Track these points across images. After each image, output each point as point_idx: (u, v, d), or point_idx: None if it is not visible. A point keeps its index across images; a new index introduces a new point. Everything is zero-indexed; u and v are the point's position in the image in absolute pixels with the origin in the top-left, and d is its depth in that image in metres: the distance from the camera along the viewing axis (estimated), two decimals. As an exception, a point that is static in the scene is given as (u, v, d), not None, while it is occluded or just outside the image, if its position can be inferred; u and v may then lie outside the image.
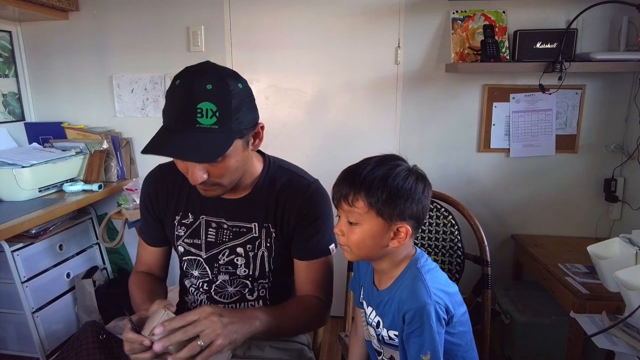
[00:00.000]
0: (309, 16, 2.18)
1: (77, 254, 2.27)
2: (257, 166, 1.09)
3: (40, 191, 2.04)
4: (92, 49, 2.35)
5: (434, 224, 1.39)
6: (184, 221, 1.11)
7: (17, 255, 1.90)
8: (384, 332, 0.93)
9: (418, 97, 2.18)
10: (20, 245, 1.92)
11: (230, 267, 1.10)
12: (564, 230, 2.19)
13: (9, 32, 2.34)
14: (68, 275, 2.19)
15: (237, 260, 1.09)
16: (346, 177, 0.87)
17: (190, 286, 1.17)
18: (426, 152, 2.21)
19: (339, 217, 0.91)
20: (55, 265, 2.12)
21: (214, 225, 1.10)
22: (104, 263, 2.44)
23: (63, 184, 2.15)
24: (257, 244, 1.08)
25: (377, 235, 0.86)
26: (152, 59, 2.31)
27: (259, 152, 1.14)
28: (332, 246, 1.12)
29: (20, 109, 2.42)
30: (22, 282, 1.91)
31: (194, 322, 0.83)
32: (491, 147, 2.17)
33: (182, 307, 1.23)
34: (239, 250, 1.09)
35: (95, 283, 2.22)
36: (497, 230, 2.23)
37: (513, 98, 2.11)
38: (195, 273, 1.13)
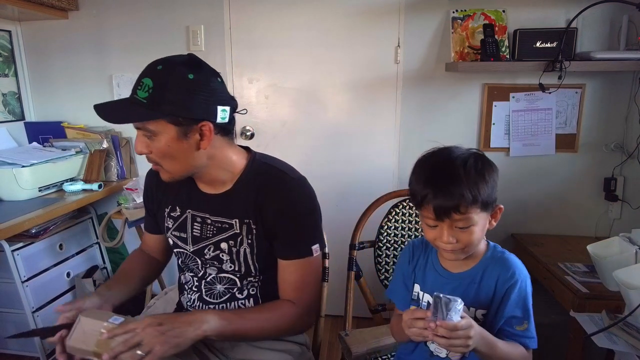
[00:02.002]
0: (309, 15, 2.17)
1: (77, 253, 2.27)
2: (239, 162, 1.09)
3: (40, 190, 2.04)
4: (92, 49, 2.35)
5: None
6: (172, 214, 1.15)
7: (17, 254, 1.90)
8: (469, 313, 0.92)
9: (418, 96, 2.18)
10: (21, 244, 1.92)
11: (216, 262, 1.11)
12: (564, 229, 2.20)
13: (9, 32, 2.34)
14: (68, 274, 2.19)
15: (222, 255, 1.10)
16: (447, 188, 0.84)
17: (185, 283, 1.19)
18: (426, 152, 2.21)
19: (436, 227, 0.88)
20: (55, 265, 2.12)
21: (198, 219, 1.11)
22: (104, 262, 2.44)
23: (63, 183, 2.15)
24: (239, 240, 1.08)
25: (484, 225, 0.89)
26: (152, 58, 2.24)
27: (247, 149, 1.15)
28: (315, 247, 1.08)
29: (20, 108, 2.42)
30: (22, 282, 1.91)
31: (133, 332, 0.89)
32: (491, 146, 2.17)
33: (180, 307, 1.24)
34: (223, 245, 1.09)
35: (95, 282, 2.22)
36: (496, 229, 2.20)
37: (513, 97, 2.11)
38: (190, 264, 1.16)
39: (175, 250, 1.17)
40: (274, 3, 2.18)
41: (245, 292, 1.12)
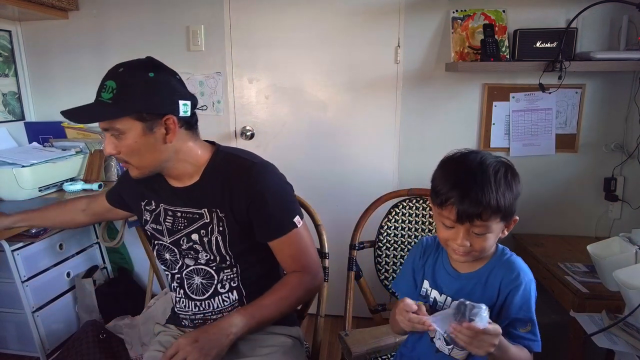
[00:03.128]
0: (309, 15, 2.17)
1: (77, 253, 2.27)
2: (204, 155, 1.14)
3: (40, 190, 2.04)
4: (92, 49, 2.35)
5: (434, 223, 1.39)
6: (148, 207, 1.20)
7: (18, 254, 1.90)
8: None
9: (418, 97, 2.18)
10: (21, 244, 1.92)
11: (192, 252, 1.14)
12: (564, 229, 2.20)
13: (9, 32, 2.34)
14: (68, 274, 2.19)
15: (196, 246, 1.13)
16: (476, 195, 0.84)
17: (169, 285, 1.23)
18: (426, 151, 2.21)
19: (452, 228, 0.89)
20: (55, 265, 2.12)
21: (170, 213, 1.16)
22: (104, 262, 2.44)
23: (63, 183, 2.15)
24: (209, 229, 1.11)
25: (498, 234, 0.90)
26: None
27: (213, 143, 1.19)
28: (296, 219, 1.13)
29: (20, 108, 2.42)
30: (23, 282, 1.91)
31: (175, 355, 0.96)
32: (491, 146, 2.17)
33: (174, 316, 1.26)
34: (194, 237, 1.12)
35: (95, 282, 2.22)
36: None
37: (513, 97, 2.11)
38: (167, 256, 1.19)
39: (154, 242, 1.21)
40: (274, 3, 2.18)
41: (227, 286, 1.15)
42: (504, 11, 2.04)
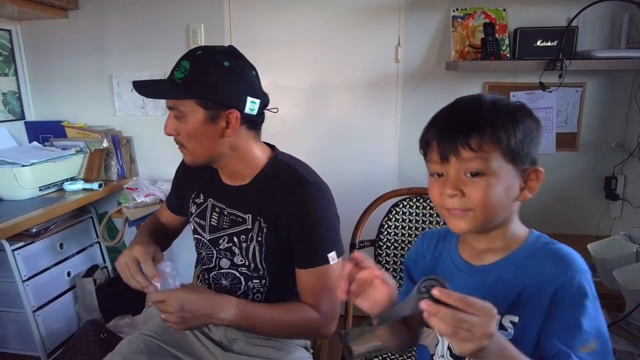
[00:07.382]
0: (309, 14, 2.17)
1: (78, 252, 2.27)
2: (261, 158, 1.11)
3: (40, 190, 2.05)
4: (92, 48, 2.35)
5: (434, 222, 1.39)
6: (196, 200, 1.18)
7: (18, 254, 1.90)
8: None
9: (418, 95, 2.17)
10: (21, 244, 1.92)
11: (229, 254, 1.11)
12: (565, 228, 2.19)
13: (9, 31, 2.34)
14: (69, 274, 2.19)
15: (234, 248, 1.11)
16: (459, 117, 0.67)
17: (199, 280, 1.23)
18: (426, 150, 2.21)
19: (441, 174, 0.69)
20: (55, 264, 2.12)
21: (217, 209, 1.13)
22: (104, 262, 2.45)
23: (63, 182, 2.15)
24: (249, 236, 1.08)
25: (510, 186, 0.66)
26: (152, 57, 2.31)
27: (272, 147, 1.17)
28: (331, 254, 1.04)
29: (20, 107, 2.42)
30: (23, 281, 1.92)
31: (166, 300, 0.95)
32: (491, 145, 2.16)
33: None
34: (235, 239, 1.10)
35: (95, 282, 2.22)
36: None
37: (513, 96, 2.11)
38: (203, 253, 1.17)
39: (194, 236, 1.19)
40: (274, 3, 2.18)
41: (250, 296, 1.12)
42: (504, 10, 2.03)
